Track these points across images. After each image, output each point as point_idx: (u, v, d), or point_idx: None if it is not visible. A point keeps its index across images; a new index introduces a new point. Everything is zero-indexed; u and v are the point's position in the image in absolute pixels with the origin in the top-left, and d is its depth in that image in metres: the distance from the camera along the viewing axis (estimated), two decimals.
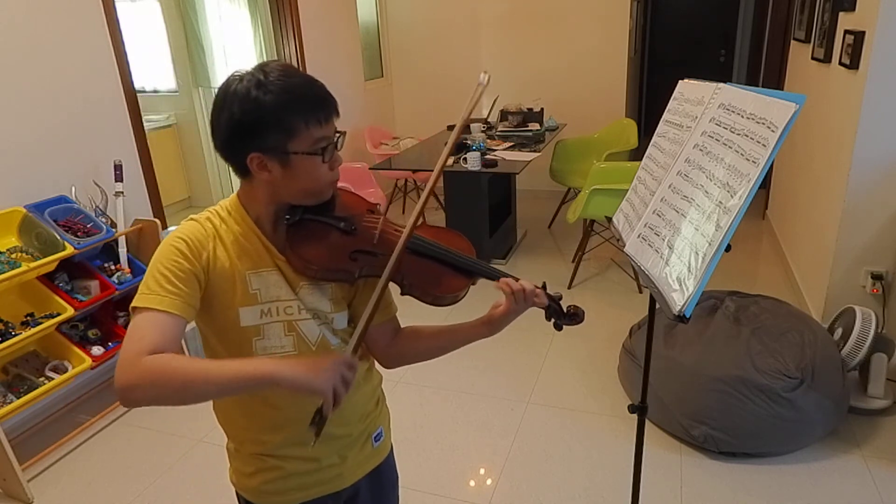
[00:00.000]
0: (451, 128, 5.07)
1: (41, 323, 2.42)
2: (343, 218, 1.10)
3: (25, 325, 2.44)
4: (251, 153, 0.98)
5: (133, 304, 0.96)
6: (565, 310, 1.18)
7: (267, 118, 0.96)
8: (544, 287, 1.15)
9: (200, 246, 1.02)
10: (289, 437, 1.12)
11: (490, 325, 1.15)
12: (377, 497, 1.28)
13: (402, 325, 1.22)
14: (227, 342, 1.07)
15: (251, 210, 1.06)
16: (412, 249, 1.09)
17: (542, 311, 1.17)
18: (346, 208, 1.13)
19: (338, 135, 1.04)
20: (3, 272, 2.30)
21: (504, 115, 4.82)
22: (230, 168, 1.03)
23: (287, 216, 1.06)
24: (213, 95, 1.03)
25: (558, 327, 1.18)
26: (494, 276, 1.13)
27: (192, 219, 1.06)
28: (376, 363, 1.24)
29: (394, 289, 1.10)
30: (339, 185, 1.12)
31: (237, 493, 1.23)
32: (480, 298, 1.32)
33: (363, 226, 1.11)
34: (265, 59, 5.23)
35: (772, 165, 1.82)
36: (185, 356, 0.92)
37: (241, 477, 1.19)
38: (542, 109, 4.78)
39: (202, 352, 1.12)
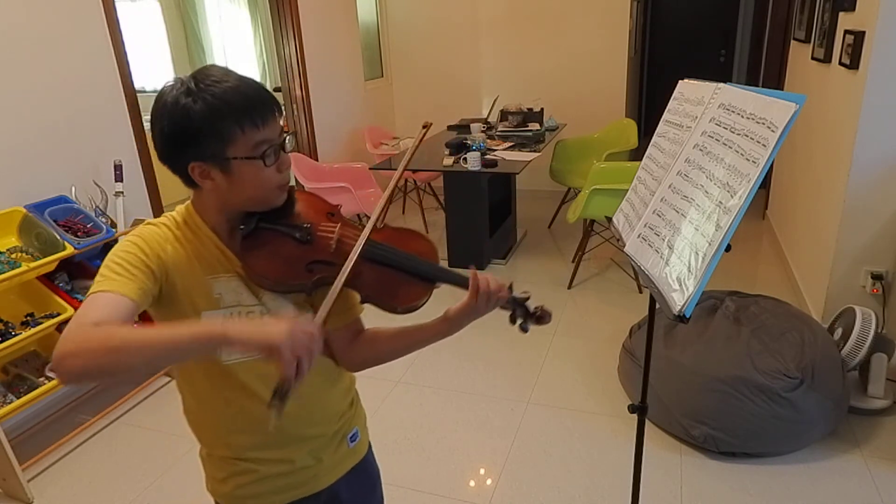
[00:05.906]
0: (451, 128, 5.07)
1: (41, 323, 2.42)
2: (299, 226, 1.05)
3: (25, 325, 2.44)
4: (190, 163, 0.97)
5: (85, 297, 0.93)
6: (532, 310, 1.13)
7: (199, 126, 0.93)
8: (510, 288, 1.10)
9: (157, 245, 0.99)
10: (260, 439, 1.10)
11: (448, 323, 1.11)
12: (358, 496, 1.27)
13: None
14: None
15: (206, 218, 1.04)
16: (368, 258, 1.04)
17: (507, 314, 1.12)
18: (304, 213, 1.08)
19: (284, 135, 1.01)
20: (3, 272, 2.30)
21: (504, 115, 4.82)
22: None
23: (242, 226, 1.02)
24: None
25: (524, 329, 1.12)
26: (458, 281, 1.08)
27: (148, 223, 1.05)
28: None
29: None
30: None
31: (215, 502, 1.20)
32: (443, 301, 1.20)
33: (320, 234, 1.06)
34: (265, 60, 5.25)
35: (772, 165, 1.82)
36: (130, 326, 0.84)
37: (214, 483, 1.17)
38: (542, 109, 4.78)
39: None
